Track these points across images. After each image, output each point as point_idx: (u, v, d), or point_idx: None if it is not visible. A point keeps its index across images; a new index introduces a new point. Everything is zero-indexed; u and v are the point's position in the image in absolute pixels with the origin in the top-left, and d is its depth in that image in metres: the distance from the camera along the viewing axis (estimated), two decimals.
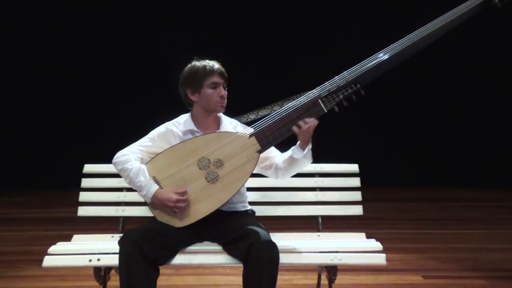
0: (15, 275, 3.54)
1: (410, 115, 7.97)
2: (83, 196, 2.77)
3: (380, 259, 2.32)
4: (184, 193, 2.29)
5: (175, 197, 2.28)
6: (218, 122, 2.50)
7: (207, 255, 2.34)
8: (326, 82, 2.36)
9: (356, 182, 2.80)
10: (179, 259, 2.29)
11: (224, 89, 2.44)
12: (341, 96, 2.34)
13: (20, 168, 7.69)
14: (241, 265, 2.21)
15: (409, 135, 8.01)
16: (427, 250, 4.16)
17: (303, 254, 2.33)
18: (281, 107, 2.36)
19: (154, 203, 2.32)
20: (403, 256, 3.95)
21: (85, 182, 2.80)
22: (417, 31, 2.42)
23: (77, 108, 7.73)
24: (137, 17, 7.62)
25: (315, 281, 2.98)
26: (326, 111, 2.33)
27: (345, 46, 6.49)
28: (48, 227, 5.07)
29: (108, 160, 2.49)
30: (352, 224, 3.63)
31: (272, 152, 2.47)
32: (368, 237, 2.63)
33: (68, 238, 2.67)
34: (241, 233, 2.23)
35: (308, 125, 2.29)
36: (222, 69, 2.45)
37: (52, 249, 2.38)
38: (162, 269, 2.28)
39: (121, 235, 2.41)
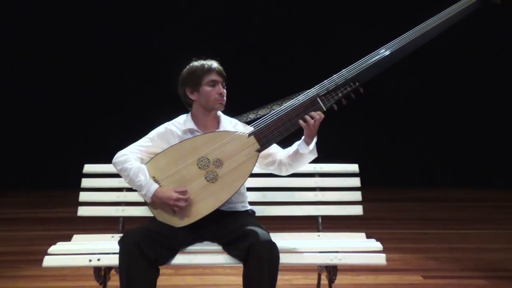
0: (15, 275, 3.54)
1: (410, 115, 7.97)
2: (83, 196, 2.77)
3: (380, 259, 2.32)
4: (184, 192, 2.29)
5: (175, 195, 2.28)
6: (217, 121, 2.50)
7: (207, 255, 2.33)
8: (325, 81, 2.36)
9: (356, 182, 2.80)
10: (179, 259, 2.29)
11: (223, 87, 2.45)
12: (340, 95, 2.34)
13: (20, 168, 7.69)
14: (241, 265, 2.21)
15: (409, 135, 8.01)
16: (427, 250, 4.16)
17: (303, 254, 2.33)
18: (280, 106, 2.36)
19: (154, 202, 2.32)
20: (403, 256, 3.95)
21: (85, 182, 2.80)
22: (416, 28, 2.42)
23: (77, 108, 7.73)
24: (137, 16, 7.62)
25: (315, 281, 2.98)
26: (325, 109, 2.33)
27: (344, 45, 6.48)
28: (48, 227, 5.07)
29: (108, 160, 2.49)
30: (352, 224, 3.63)
31: (273, 149, 2.47)
32: (368, 237, 2.63)
33: (68, 238, 2.67)
34: (241, 233, 2.23)
35: (314, 119, 2.29)
36: (220, 67, 2.46)
37: (52, 249, 2.38)
38: (162, 269, 2.28)
39: (121, 235, 2.41)
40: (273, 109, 2.43)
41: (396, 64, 2.39)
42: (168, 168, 2.33)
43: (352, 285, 3.31)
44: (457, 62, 7.67)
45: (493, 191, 7.26)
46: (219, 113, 2.51)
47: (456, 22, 2.44)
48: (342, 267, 2.47)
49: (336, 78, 2.35)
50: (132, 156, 2.38)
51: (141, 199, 2.46)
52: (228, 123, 2.52)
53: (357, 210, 2.74)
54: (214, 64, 2.45)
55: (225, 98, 2.45)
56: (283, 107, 2.34)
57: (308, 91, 2.35)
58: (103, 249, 2.37)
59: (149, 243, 2.19)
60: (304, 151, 2.36)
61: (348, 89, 2.34)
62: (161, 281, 2.31)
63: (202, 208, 2.31)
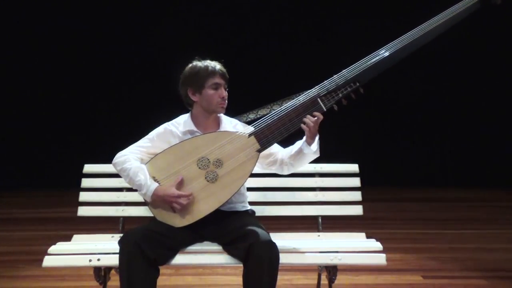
0: (15, 275, 3.54)
1: (410, 115, 7.97)
2: (83, 196, 2.77)
3: (380, 259, 2.32)
4: (186, 192, 2.29)
5: (176, 192, 2.27)
6: (218, 122, 2.50)
7: (207, 255, 2.33)
8: (326, 81, 2.36)
9: (356, 182, 2.79)
10: (179, 259, 2.29)
11: (225, 90, 2.44)
12: (340, 95, 2.34)
13: (20, 168, 7.69)
14: (241, 265, 2.21)
15: (410, 135, 8.01)
16: (427, 250, 4.16)
17: (303, 254, 2.33)
18: (280, 106, 2.36)
19: (154, 201, 2.32)
20: (403, 256, 3.95)
21: (85, 182, 2.80)
22: (416, 28, 2.42)
23: (77, 108, 7.73)
24: (137, 16, 7.62)
25: (315, 281, 2.98)
26: (325, 110, 2.33)
27: (344, 45, 6.49)
28: (48, 227, 5.08)
29: (108, 160, 2.49)
30: (352, 224, 3.62)
31: (274, 148, 2.47)
32: (368, 237, 2.62)
33: (68, 238, 2.67)
34: (241, 233, 2.23)
35: (313, 120, 2.29)
36: (224, 70, 2.44)
37: (52, 249, 2.38)
38: (162, 269, 2.28)
39: (121, 235, 2.41)
40: (273, 109, 2.43)
41: (397, 64, 2.39)
42: (168, 168, 2.33)
43: (352, 285, 3.31)
44: (457, 62, 7.67)
45: (493, 191, 7.25)
46: (220, 114, 2.50)
47: (457, 22, 2.44)
48: (342, 267, 2.47)
49: (337, 78, 2.35)
50: (132, 157, 2.38)
51: (141, 199, 2.45)
52: (229, 124, 2.51)
53: (357, 210, 2.74)
54: (218, 66, 2.42)
55: (226, 101, 2.44)
56: (283, 107, 2.34)
57: (308, 91, 2.35)
58: (103, 249, 2.36)
59: (149, 243, 2.19)
60: (307, 151, 2.36)
61: (349, 89, 2.34)
62: (161, 281, 2.31)
63: (202, 208, 2.31)
